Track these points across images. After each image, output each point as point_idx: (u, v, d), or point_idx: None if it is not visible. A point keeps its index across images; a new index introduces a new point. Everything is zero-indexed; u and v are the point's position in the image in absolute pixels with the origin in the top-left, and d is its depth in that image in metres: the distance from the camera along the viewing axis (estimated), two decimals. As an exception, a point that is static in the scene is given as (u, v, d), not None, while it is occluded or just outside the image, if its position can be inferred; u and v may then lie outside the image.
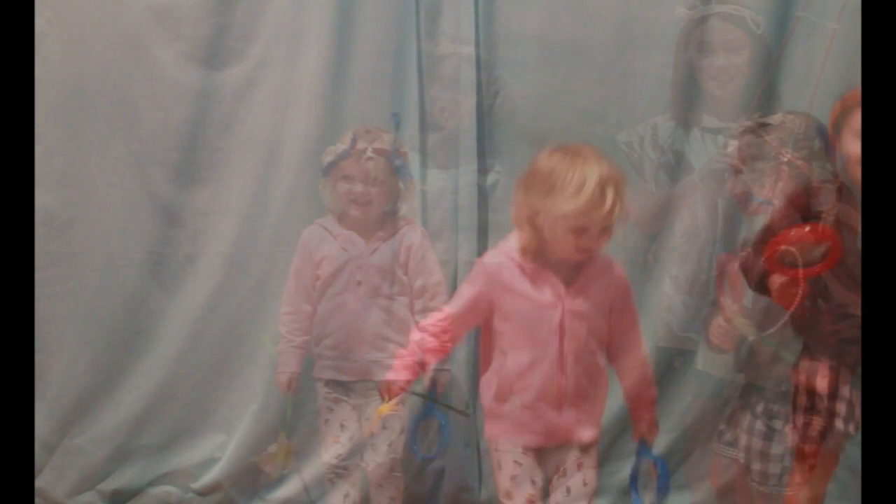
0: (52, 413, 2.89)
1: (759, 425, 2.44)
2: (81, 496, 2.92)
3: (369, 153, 2.66)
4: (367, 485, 2.69)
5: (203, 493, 2.92)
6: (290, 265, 2.77)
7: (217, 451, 2.93)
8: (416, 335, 2.25)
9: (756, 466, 2.43)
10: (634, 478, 2.35)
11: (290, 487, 2.84)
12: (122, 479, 2.95)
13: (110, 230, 2.90)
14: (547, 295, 2.22)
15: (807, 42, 2.60)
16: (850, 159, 2.21)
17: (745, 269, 2.32)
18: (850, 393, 2.29)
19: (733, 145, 2.47)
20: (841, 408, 2.30)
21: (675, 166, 2.73)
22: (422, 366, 2.24)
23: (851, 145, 2.21)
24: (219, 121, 2.86)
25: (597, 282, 2.25)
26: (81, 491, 2.92)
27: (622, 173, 2.20)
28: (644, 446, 2.31)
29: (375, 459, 2.65)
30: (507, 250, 2.26)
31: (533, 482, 2.25)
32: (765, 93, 2.63)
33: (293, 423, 2.82)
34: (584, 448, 2.27)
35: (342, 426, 2.70)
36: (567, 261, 2.22)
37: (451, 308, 2.27)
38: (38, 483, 2.86)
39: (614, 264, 2.28)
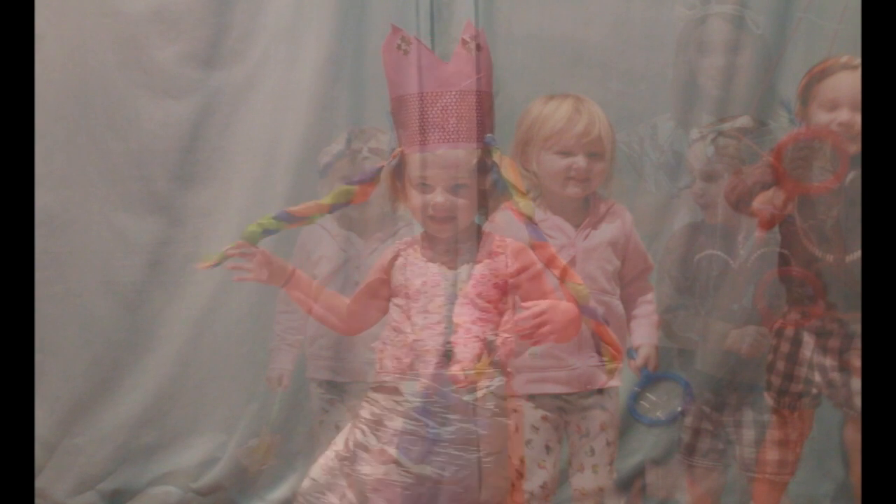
0: (52, 413, 2.89)
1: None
2: (81, 496, 2.92)
3: (365, 153, 2.67)
4: (364, 487, 2.69)
5: (203, 493, 2.92)
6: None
7: (217, 451, 2.93)
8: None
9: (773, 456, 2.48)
10: (633, 403, 2.47)
11: (290, 487, 2.84)
12: (122, 479, 2.95)
13: (110, 230, 2.90)
14: (558, 238, 2.32)
15: (807, 42, 2.60)
16: None
17: (728, 191, 2.42)
18: (816, 358, 2.38)
19: (711, 150, 2.53)
20: (812, 374, 2.39)
21: (675, 166, 2.73)
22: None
23: (819, 116, 2.31)
24: (219, 121, 2.86)
25: (606, 222, 2.36)
26: (81, 491, 2.93)
27: (605, 115, 2.35)
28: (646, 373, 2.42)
29: (369, 462, 2.65)
30: (511, 205, 2.31)
31: (548, 448, 2.32)
32: (765, 93, 2.64)
33: (280, 421, 2.82)
34: (606, 396, 2.34)
35: (337, 427, 2.70)
36: (572, 201, 2.33)
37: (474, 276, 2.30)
38: (38, 483, 2.86)
39: (622, 208, 2.39)
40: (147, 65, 2.85)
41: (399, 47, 2.10)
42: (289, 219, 2.21)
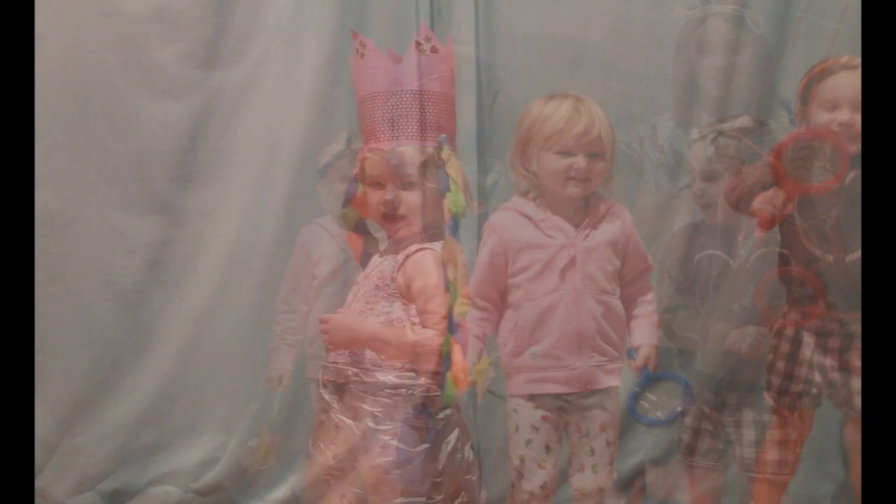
0: (52, 413, 2.89)
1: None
2: (81, 496, 2.92)
3: (365, 153, 2.67)
4: (364, 486, 2.69)
5: (203, 493, 2.92)
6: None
7: (217, 451, 2.93)
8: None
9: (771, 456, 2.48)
10: (633, 403, 2.46)
11: (290, 487, 2.84)
12: (122, 479, 2.95)
13: (110, 230, 2.90)
14: (558, 238, 2.32)
15: (807, 42, 2.60)
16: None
17: (728, 191, 2.41)
18: (817, 358, 2.38)
19: (711, 150, 2.53)
20: (812, 374, 2.38)
21: (675, 166, 2.73)
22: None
23: (819, 116, 2.30)
24: (219, 121, 2.86)
25: (606, 222, 2.35)
26: (81, 491, 2.92)
27: (605, 115, 2.33)
28: (646, 373, 2.41)
29: (369, 462, 2.65)
30: (511, 205, 2.36)
31: (548, 448, 2.31)
32: (765, 93, 2.64)
33: (280, 421, 2.82)
34: (606, 396, 2.34)
35: (337, 428, 2.70)
36: (572, 201, 2.32)
37: (474, 277, 2.30)
38: (38, 483, 2.86)
39: (622, 208, 2.39)
40: (147, 65, 2.85)
41: (357, 51, 2.13)
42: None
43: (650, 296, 2.44)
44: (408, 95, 2.09)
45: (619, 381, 2.39)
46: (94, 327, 2.91)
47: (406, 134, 2.10)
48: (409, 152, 2.10)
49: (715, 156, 2.55)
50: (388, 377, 2.15)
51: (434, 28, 2.66)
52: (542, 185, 2.35)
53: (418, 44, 2.10)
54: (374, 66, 2.12)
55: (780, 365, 2.42)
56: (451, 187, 2.10)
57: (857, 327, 2.30)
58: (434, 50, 2.10)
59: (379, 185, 2.13)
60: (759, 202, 2.36)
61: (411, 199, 2.12)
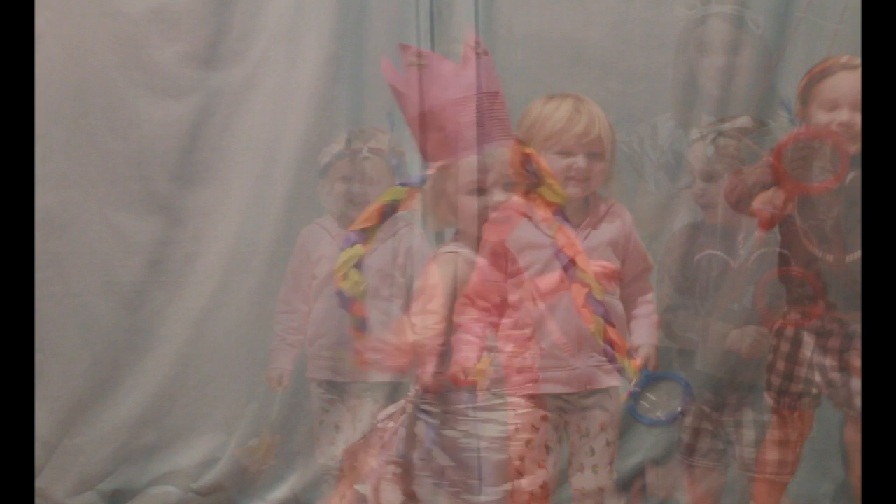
0: (52, 413, 2.89)
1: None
2: (81, 496, 2.92)
3: (365, 153, 2.67)
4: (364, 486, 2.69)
5: (203, 493, 2.92)
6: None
7: (217, 451, 2.93)
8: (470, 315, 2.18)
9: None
10: (634, 403, 2.45)
11: (290, 487, 2.84)
12: (122, 479, 2.95)
13: (110, 230, 2.90)
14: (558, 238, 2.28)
15: (807, 42, 2.60)
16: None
17: (728, 191, 2.40)
18: (816, 358, 2.38)
19: (711, 150, 2.53)
20: (812, 374, 2.38)
21: (675, 166, 2.74)
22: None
23: (819, 116, 2.30)
24: (219, 121, 2.86)
25: (606, 222, 2.35)
26: (81, 491, 2.92)
27: (605, 115, 2.33)
28: (646, 373, 2.40)
29: (369, 461, 2.65)
30: (511, 205, 2.31)
31: (548, 448, 2.31)
32: (765, 93, 2.64)
33: (280, 421, 2.83)
34: (606, 396, 2.33)
35: (337, 427, 2.71)
36: (572, 201, 2.29)
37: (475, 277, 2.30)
38: (38, 483, 2.86)
39: (622, 208, 2.38)
40: (147, 65, 2.85)
41: (414, 64, 2.10)
42: (357, 238, 2.17)
43: (650, 296, 2.44)
44: (488, 98, 2.07)
45: (618, 381, 2.38)
46: (94, 327, 2.91)
47: (500, 135, 2.08)
48: (506, 152, 2.08)
49: (715, 156, 2.55)
50: (388, 376, 2.15)
51: (434, 28, 2.66)
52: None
53: (472, 47, 2.09)
54: (441, 73, 2.07)
55: (780, 365, 2.42)
56: (548, 181, 2.09)
57: (857, 327, 2.30)
58: (485, 52, 2.10)
59: (480, 189, 2.10)
60: (759, 202, 2.36)
61: (514, 199, 2.11)
